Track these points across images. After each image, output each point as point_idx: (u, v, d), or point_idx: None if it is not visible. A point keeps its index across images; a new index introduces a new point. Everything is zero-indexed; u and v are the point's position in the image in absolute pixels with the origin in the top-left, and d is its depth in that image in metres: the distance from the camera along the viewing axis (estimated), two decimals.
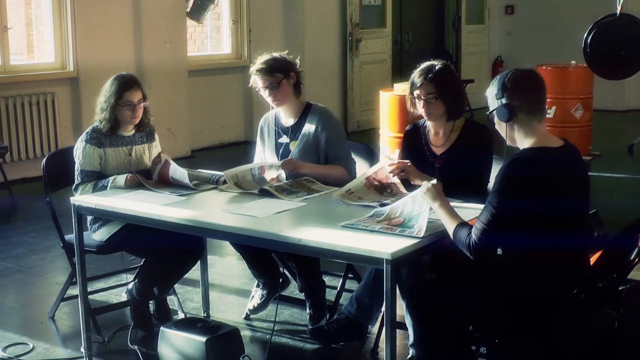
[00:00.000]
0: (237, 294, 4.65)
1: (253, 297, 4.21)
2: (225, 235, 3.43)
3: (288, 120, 4.05)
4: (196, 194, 3.67)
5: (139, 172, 3.91)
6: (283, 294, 4.19)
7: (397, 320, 3.09)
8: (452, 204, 3.01)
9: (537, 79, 2.96)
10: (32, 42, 8.66)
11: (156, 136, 4.15)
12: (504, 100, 2.87)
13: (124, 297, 4.21)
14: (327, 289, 4.07)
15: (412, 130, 3.80)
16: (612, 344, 2.85)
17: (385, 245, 2.82)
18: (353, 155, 4.00)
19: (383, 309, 2.98)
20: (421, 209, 2.99)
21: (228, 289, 4.75)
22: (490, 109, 2.94)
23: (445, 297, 2.99)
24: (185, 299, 4.44)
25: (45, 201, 4.07)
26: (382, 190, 3.50)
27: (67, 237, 3.98)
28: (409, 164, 3.50)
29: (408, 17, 11.64)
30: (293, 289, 4.28)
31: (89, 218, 3.91)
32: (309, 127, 3.95)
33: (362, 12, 10.55)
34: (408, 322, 3.28)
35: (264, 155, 4.11)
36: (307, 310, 4.00)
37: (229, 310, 4.38)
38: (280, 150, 4.02)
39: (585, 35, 7.87)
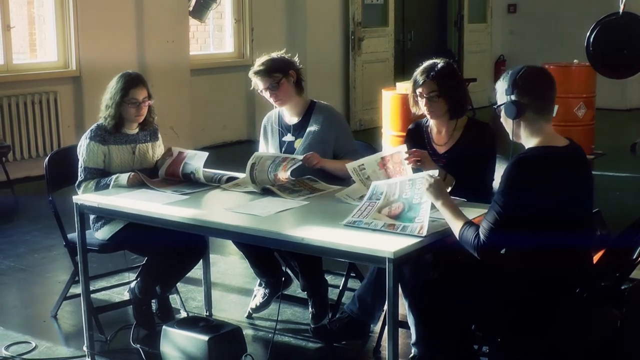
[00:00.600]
0: (239, 293, 4.65)
1: (255, 296, 4.21)
2: (227, 234, 3.44)
3: (292, 119, 4.05)
4: (199, 193, 3.67)
5: (141, 170, 3.92)
6: (285, 293, 4.19)
7: (400, 319, 3.08)
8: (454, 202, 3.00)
9: (549, 78, 2.91)
10: (35, 41, 8.67)
11: (159, 135, 4.15)
12: (513, 97, 2.83)
13: (126, 296, 4.22)
14: (330, 288, 4.07)
15: (414, 129, 3.79)
16: (615, 343, 2.83)
17: (387, 244, 2.81)
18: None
19: (385, 307, 2.98)
20: (422, 199, 2.99)
21: (230, 287, 4.75)
22: (499, 103, 2.91)
23: (448, 296, 2.98)
24: (187, 297, 4.44)
25: (48, 200, 4.07)
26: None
27: (70, 235, 3.98)
28: (426, 153, 3.50)
29: (410, 15, 11.63)
30: (295, 288, 4.27)
31: (92, 217, 3.91)
32: (314, 125, 3.96)
33: (365, 10, 10.55)
34: (410, 321, 3.27)
35: None
36: (310, 309, 3.99)
37: (232, 309, 4.38)
38: (284, 149, 4.02)
39: (588, 34, 7.85)
